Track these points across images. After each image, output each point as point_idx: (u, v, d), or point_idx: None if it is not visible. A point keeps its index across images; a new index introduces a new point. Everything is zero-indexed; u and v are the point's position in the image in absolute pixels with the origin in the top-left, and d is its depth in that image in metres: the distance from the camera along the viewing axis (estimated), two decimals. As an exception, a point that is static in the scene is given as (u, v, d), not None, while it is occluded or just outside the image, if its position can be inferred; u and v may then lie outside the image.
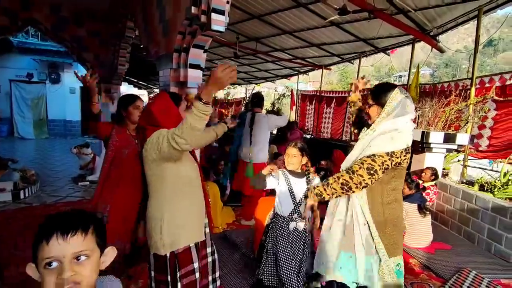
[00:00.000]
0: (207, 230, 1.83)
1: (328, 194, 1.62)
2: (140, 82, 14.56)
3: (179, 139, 1.36)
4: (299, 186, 2.03)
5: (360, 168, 1.54)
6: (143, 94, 15.23)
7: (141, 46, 5.30)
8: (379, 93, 1.69)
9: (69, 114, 11.93)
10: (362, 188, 1.57)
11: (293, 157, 2.06)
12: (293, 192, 2.01)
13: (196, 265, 1.61)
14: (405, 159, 1.59)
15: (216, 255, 1.89)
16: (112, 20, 5.34)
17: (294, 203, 2.01)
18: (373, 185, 1.59)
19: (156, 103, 1.64)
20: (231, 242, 3.27)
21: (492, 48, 53.50)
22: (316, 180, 2.09)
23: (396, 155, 1.55)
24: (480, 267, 2.93)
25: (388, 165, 1.55)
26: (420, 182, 3.65)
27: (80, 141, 5.78)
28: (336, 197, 1.65)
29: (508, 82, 4.48)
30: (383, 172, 1.55)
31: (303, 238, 2.03)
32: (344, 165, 1.80)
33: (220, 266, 2.77)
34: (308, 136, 9.59)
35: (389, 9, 4.86)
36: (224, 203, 4.11)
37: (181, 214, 1.59)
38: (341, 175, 1.58)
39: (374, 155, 1.55)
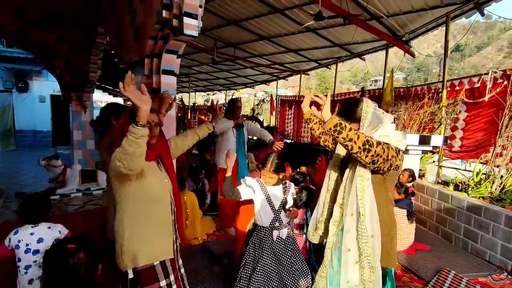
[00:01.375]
0: (176, 246, 1.74)
1: (348, 134, 1.37)
2: (116, 90, 14.12)
3: (117, 162, 1.34)
4: (276, 193, 2.00)
5: (382, 144, 1.42)
6: (119, 102, 14.79)
7: (113, 52, 5.11)
8: (350, 110, 1.67)
9: (39, 124, 11.33)
10: (374, 159, 1.39)
11: (270, 178, 2.01)
12: (270, 200, 1.98)
13: (163, 283, 1.55)
14: (401, 162, 1.56)
15: (183, 269, 1.83)
16: (82, 25, 5.12)
17: (273, 211, 1.97)
18: (378, 187, 1.55)
19: (115, 123, 1.59)
20: (211, 254, 3.15)
21: (459, 53, 56.57)
22: (293, 188, 2.09)
23: (400, 155, 1.50)
24: (459, 266, 2.98)
25: (394, 163, 1.47)
26: (409, 185, 3.70)
27: (51, 153, 5.46)
28: (346, 145, 1.40)
29: (476, 85, 4.67)
30: (388, 169, 1.48)
31: (290, 246, 1.98)
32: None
33: (199, 279, 2.66)
34: (289, 141, 9.62)
35: (362, 15, 4.97)
36: (204, 212, 3.98)
37: (142, 232, 1.52)
38: (370, 137, 1.43)
39: (388, 144, 1.45)
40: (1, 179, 6.02)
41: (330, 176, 1.84)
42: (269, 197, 1.97)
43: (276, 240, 1.97)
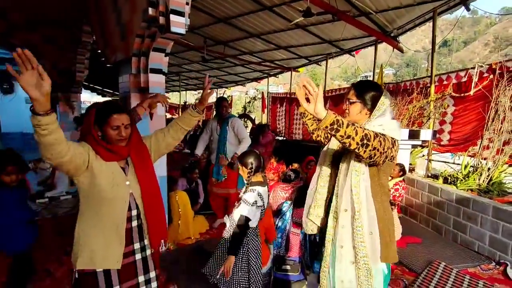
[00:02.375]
0: (140, 256, 1.59)
1: (345, 131, 1.28)
2: (105, 90, 13.92)
3: (43, 156, 1.30)
4: (266, 194, 2.04)
5: (379, 136, 1.35)
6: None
7: (99, 51, 5.02)
8: (365, 91, 1.54)
9: (26, 126, 11.05)
10: (372, 153, 1.33)
11: (243, 174, 2.05)
12: (263, 204, 2.03)
13: None
14: (396, 153, 1.47)
15: (154, 283, 1.64)
16: (68, 25, 5.01)
17: (261, 214, 2.04)
18: (373, 181, 1.50)
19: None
20: (205, 253, 3.13)
21: (446, 48, 57.48)
22: (248, 196, 1.96)
23: (396, 146, 1.43)
24: (449, 258, 3.03)
25: (390, 154, 1.41)
26: (399, 179, 3.74)
27: (38, 155, 5.35)
28: (344, 142, 1.32)
29: (463, 80, 4.75)
30: (383, 161, 1.42)
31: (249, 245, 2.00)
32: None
33: (193, 279, 2.65)
34: (281, 138, 9.64)
35: (351, 11, 4.99)
36: (197, 212, 3.96)
37: (88, 234, 1.46)
38: (366, 129, 1.34)
39: (384, 135, 1.38)
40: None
41: (324, 163, 1.75)
42: (263, 201, 2.03)
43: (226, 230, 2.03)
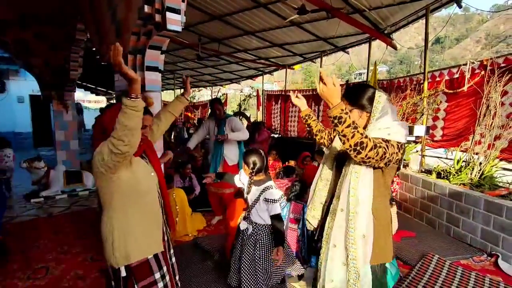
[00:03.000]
0: (166, 237, 1.76)
1: (343, 128, 1.31)
2: (99, 88, 13.80)
3: (117, 141, 1.29)
4: (253, 193, 2.05)
5: (380, 147, 1.35)
6: (102, 101, 14.43)
7: (94, 49, 4.97)
8: (357, 95, 1.55)
9: (18, 126, 10.95)
10: (364, 160, 1.36)
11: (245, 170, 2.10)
12: (248, 196, 2.08)
13: (158, 275, 1.56)
14: (403, 156, 1.48)
15: (174, 259, 1.84)
16: (61, 22, 4.96)
17: (247, 205, 2.09)
18: (378, 183, 1.48)
19: (106, 113, 1.51)
20: (203, 250, 3.16)
21: (439, 45, 58.00)
22: (270, 194, 2.01)
23: (402, 149, 1.42)
24: (442, 251, 3.10)
25: (394, 159, 1.40)
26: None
27: (32, 155, 5.30)
28: (340, 138, 1.36)
29: (455, 76, 4.82)
30: (385, 164, 1.40)
31: (250, 247, 2.05)
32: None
33: (192, 275, 2.67)
34: (276, 136, 9.67)
35: (345, 8, 5.02)
36: (194, 209, 3.97)
37: (132, 228, 1.51)
38: (367, 136, 1.34)
39: (388, 141, 1.38)
40: (-19, 184, 5.80)
41: (325, 165, 1.77)
42: (248, 194, 2.08)
43: (243, 230, 2.10)
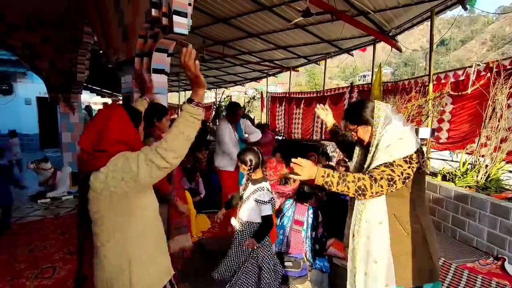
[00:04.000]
0: None
1: (337, 188, 1.40)
2: (104, 90, 13.92)
3: (167, 153, 1.13)
4: (249, 190, 2.09)
5: (381, 178, 1.37)
6: (107, 103, 14.57)
7: (101, 52, 5.03)
8: (356, 113, 1.57)
9: (25, 127, 11.08)
10: (375, 196, 1.40)
11: (243, 171, 2.12)
12: (243, 193, 2.12)
13: None
14: (423, 161, 1.45)
15: None
16: (67, 26, 5.04)
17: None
18: (401, 197, 1.44)
19: (112, 123, 1.22)
20: (207, 250, 3.17)
21: (444, 47, 57.67)
22: (263, 195, 2.03)
23: (414, 160, 1.40)
24: (448, 254, 3.08)
25: (409, 174, 1.38)
26: None
27: (39, 156, 5.38)
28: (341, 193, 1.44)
29: (461, 78, 4.80)
30: (403, 183, 1.39)
31: (239, 245, 2.08)
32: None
33: (196, 275, 2.69)
34: (280, 138, 9.68)
35: (350, 11, 5.03)
36: (198, 209, 3.99)
37: (151, 253, 1.31)
38: (363, 178, 1.39)
39: (392, 164, 1.39)
40: (-11, 184, 5.88)
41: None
42: (244, 190, 2.12)
43: (234, 227, 2.15)
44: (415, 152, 1.40)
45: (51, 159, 5.35)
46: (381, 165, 1.41)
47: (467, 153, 4.16)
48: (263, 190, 2.01)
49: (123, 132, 1.24)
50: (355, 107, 1.61)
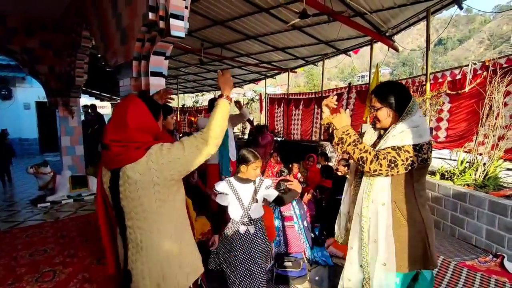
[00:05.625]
0: None
1: (346, 147, 1.52)
2: (103, 94, 13.94)
3: (212, 140, 1.26)
4: (247, 191, 2.03)
5: (384, 158, 1.41)
6: (106, 106, 14.58)
7: (99, 55, 5.05)
8: (387, 94, 1.53)
9: (25, 132, 11.10)
10: (372, 174, 1.45)
11: (255, 169, 2.04)
12: (240, 198, 2.01)
13: None
14: (431, 155, 1.47)
15: None
16: (66, 30, 5.06)
17: (242, 208, 2.01)
18: (404, 187, 1.47)
19: (131, 112, 1.23)
20: (207, 252, 3.17)
21: (442, 46, 57.88)
22: (267, 181, 2.10)
23: (423, 150, 1.41)
24: (447, 252, 3.09)
25: (413, 162, 1.40)
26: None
27: (38, 160, 5.39)
28: (346, 155, 1.51)
29: (458, 77, 4.83)
30: (405, 169, 1.41)
31: (260, 242, 2.04)
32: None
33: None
34: (279, 139, 9.70)
35: (346, 11, 5.07)
36: (199, 213, 3.99)
37: (190, 242, 1.44)
38: (369, 152, 1.45)
39: (400, 148, 1.41)
40: (-12, 189, 5.90)
41: (352, 176, 1.77)
42: (238, 195, 2.01)
43: (244, 234, 2.04)
44: (426, 143, 1.43)
45: (50, 163, 5.36)
46: (388, 147, 1.45)
47: (465, 152, 4.17)
48: (262, 181, 2.07)
49: (143, 121, 1.25)
50: (391, 86, 1.56)
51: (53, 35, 5.44)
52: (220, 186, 2.02)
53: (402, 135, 1.44)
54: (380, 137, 1.62)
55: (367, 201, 1.52)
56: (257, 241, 2.04)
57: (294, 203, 2.95)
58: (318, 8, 4.44)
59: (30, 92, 10.98)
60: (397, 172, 1.42)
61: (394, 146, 1.43)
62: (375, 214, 1.49)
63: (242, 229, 2.02)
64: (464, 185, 3.69)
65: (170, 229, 1.30)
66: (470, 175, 3.79)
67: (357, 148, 1.47)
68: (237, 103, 4.04)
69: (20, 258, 3.10)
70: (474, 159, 3.96)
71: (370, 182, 1.52)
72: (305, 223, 2.94)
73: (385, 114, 1.55)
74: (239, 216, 2.02)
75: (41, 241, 3.53)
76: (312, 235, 3.00)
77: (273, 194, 2.12)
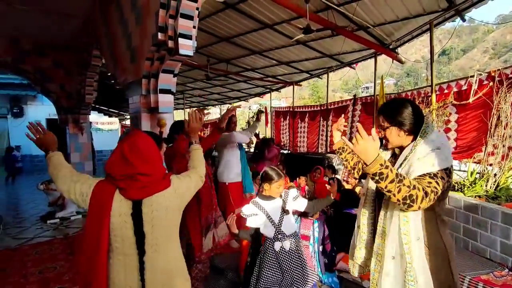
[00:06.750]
0: None
1: (386, 185, 1.20)
2: (111, 110, 14.20)
3: (203, 176, 1.64)
4: (274, 207, 2.03)
5: (431, 191, 1.23)
6: (114, 122, 14.81)
7: (109, 74, 5.18)
8: (395, 113, 1.43)
9: (35, 149, 11.20)
10: (417, 210, 1.26)
11: (279, 188, 2.04)
12: (270, 217, 2.01)
13: None
14: (452, 176, 1.36)
15: None
16: (76, 50, 5.23)
17: (274, 226, 2.00)
18: (429, 215, 1.35)
19: (150, 149, 1.36)
20: (215, 267, 3.15)
21: (446, 57, 57.93)
22: (292, 192, 2.11)
23: (451, 173, 1.33)
24: (461, 266, 3.01)
25: (444, 189, 1.28)
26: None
27: (48, 177, 5.48)
28: (384, 193, 1.25)
29: (464, 88, 4.82)
30: (435, 199, 1.28)
31: (295, 257, 2.00)
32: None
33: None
34: (285, 152, 9.69)
35: (349, 26, 5.15)
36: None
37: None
38: (418, 188, 1.22)
39: (436, 175, 1.27)
40: (0, 205, 5.98)
41: (366, 201, 1.62)
42: (268, 214, 2.01)
43: (279, 251, 2.00)
44: (451, 166, 1.33)
45: (60, 179, 5.43)
46: (425, 175, 1.27)
47: (475, 162, 4.12)
48: (287, 193, 2.07)
49: (157, 153, 1.42)
50: (398, 104, 1.46)
51: (65, 55, 5.63)
52: (248, 209, 2.03)
53: (429, 160, 1.29)
54: (394, 155, 1.52)
55: (408, 243, 1.30)
56: (296, 259, 2.01)
57: (316, 224, 2.92)
58: (322, 23, 4.53)
59: (41, 109, 11.26)
60: (431, 204, 1.25)
61: (430, 174, 1.27)
62: (415, 255, 1.31)
63: (277, 246, 2.00)
64: (475, 197, 3.63)
65: (178, 246, 1.49)
66: (481, 186, 3.73)
67: (403, 185, 1.19)
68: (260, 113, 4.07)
69: (29, 275, 3.12)
70: (484, 170, 3.90)
71: (406, 219, 1.32)
72: (320, 248, 2.88)
73: (394, 134, 1.45)
74: (273, 233, 2.00)
75: (51, 258, 3.55)
76: (326, 260, 2.91)
77: (302, 203, 2.10)
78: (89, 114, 6.20)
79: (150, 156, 1.34)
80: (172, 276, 1.41)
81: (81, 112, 5.89)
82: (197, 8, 2.46)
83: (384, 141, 1.52)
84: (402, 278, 1.34)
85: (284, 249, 2.00)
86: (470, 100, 4.53)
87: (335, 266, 2.84)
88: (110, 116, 14.51)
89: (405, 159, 1.41)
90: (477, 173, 3.96)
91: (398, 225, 1.34)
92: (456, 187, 3.97)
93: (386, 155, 1.59)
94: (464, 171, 4.39)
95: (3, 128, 10.77)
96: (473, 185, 3.79)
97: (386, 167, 1.20)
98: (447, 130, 5.16)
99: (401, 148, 1.49)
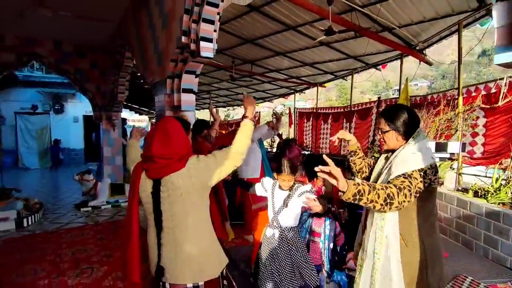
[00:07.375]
0: None
1: (367, 197, 1.30)
2: (142, 108, 14.92)
3: (241, 155, 1.51)
4: (281, 196, 2.12)
5: (404, 188, 1.34)
6: (144, 120, 15.53)
7: (139, 74, 5.53)
8: (395, 118, 1.54)
9: (72, 143, 12.20)
10: (399, 207, 1.35)
11: (285, 181, 2.11)
12: (273, 201, 2.12)
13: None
14: (435, 178, 1.44)
15: None
16: (111, 52, 5.63)
17: (273, 212, 2.11)
18: (408, 215, 1.44)
19: (174, 132, 1.49)
20: (230, 259, 3.30)
21: (486, 57, 54.31)
22: (301, 188, 2.13)
23: (427, 174, 1.40)
24: (477, 273, 2.93)
25: (419, 188, 1.38)
26: None
27: (83, 169, 5.96)
28: (368, 207, 1.39)
29: (493, 91, 4.62)
30: (414, 197, 1.38)
31: (293, 247, 2.09)
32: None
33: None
34: (307, 152, 9.69)
35: (373, 27, 5.11)
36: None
37: (214, 234, 1.64)
38: (389, 187, 1.35)
39: (410, 175, 1.38)
40: (41, 193, 6.56)
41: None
42: (272, 198, 2.12)
43: (270, 237, 2.10)
44: (429, 168, 1.41)
45: (93, 171, 5.88)
46: (400, 176, 1.40)
47: (501, 169, 3.95)
48: (297, 188, 2.10)
49: (181, 137, 1.50)
50: (399, 110, 1.57)
51: (100, 57, 6.09)
52: (266, 181, 2.20)
53: (406, 162, 1.42)
54: (387, 159, 1.60)
55: (380, 238, 1.46)
56: (294, 249, 2.07)
57: (328, 222, 2.97)
58: (345, 25, 4.54)
59: (79, 106, 12.12)
60: (409, 201, 1.36)
61: (404, 174, 1.39)
62: (389, 250, 1.45)
63: (269, 232, 2.12)
64: (498, 204, 3.49)
65: (201, 226, 1.53)
66: (505, 193, 3.58)
67: (378, 190, 1.32)
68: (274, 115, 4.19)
69: (63, 255, 3.46)
70: (510, 177, 3.74)
71: (382, 217, 1.46)
72: (331, 245, 2.92)
73: (392, 137, 1.56)
74: (271, 218, 2.13)
75: (82, 242, 3.89)
76: (336, 258, 2.94)
77: (301, 202, 2.08)
78: (121, 112, 6.63)
79: (173, 140, 1.45)
80: (197, 254, 1.47)
81: (113, 109, 6.32)
82: (218, 13, 2.63)
83: (380, 142, 1.65)
84: (373, 273, 1.48)
85: (275, 237, 2.09)
86: (500, 104, 4.34)
87: (345, 265, 2.88)
88: (140, 114, 15.22)
89: (390, 163, 1.51)
90: (503, 179, 3.80)
91: (375, 223, 1.47)
92: (479, 194, 3.84)
93: (381, 160, 1.69)
94: (489, 177, 4.22)
95: (46, 123, 11.72)
96: (498, 192, 3.64)
97: (359, 184, 1.32)
98: (474, 135, 4.97)
99: (393, 152, 1.58)
